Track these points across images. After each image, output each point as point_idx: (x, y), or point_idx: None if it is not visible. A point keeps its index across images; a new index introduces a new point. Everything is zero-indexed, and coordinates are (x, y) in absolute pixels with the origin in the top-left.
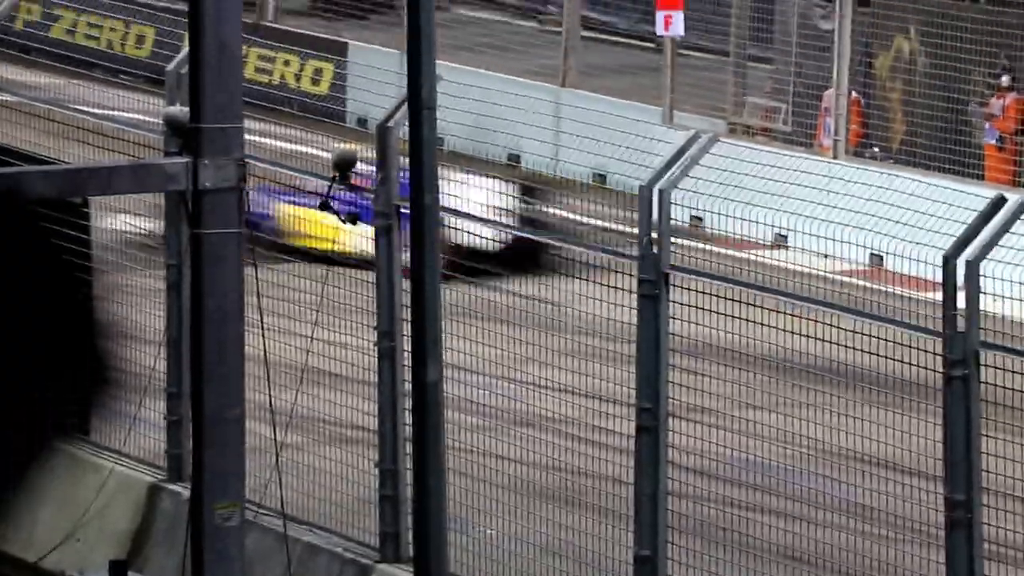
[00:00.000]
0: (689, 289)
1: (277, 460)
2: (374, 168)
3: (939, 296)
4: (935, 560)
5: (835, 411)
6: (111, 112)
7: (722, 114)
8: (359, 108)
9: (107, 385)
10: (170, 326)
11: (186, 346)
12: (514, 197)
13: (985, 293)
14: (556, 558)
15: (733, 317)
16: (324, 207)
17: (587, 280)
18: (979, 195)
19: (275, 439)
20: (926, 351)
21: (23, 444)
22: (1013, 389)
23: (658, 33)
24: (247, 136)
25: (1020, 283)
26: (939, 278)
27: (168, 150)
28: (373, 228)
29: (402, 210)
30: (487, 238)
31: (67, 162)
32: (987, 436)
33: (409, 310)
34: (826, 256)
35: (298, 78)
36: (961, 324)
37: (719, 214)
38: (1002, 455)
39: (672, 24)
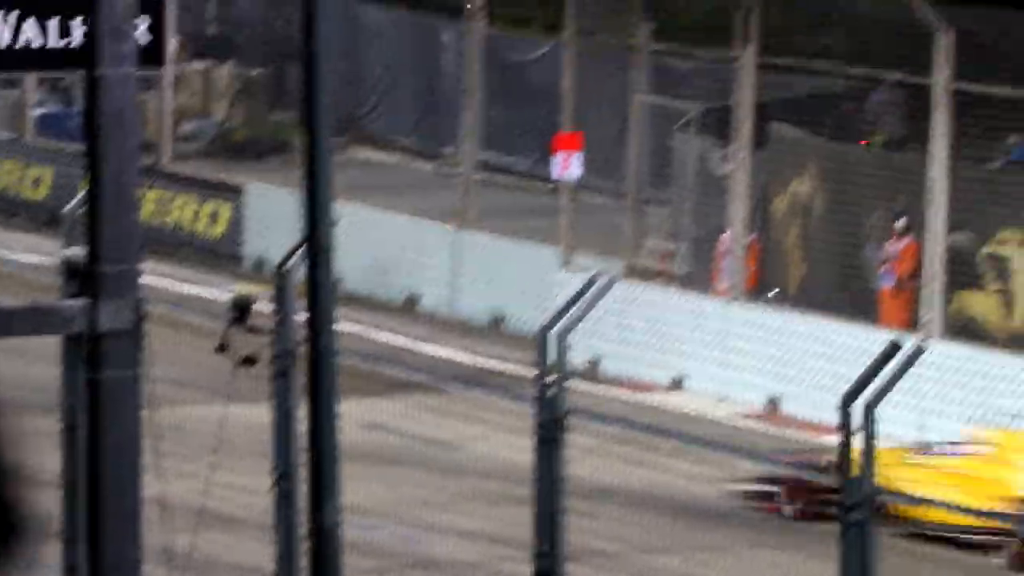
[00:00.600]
0: (587, 432)
1: None
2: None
3: (835, 439)
4: None
5: (736, 554)
6: (7, 254)
7: (620, 256)
8: (256, 249)
9: (16, 533)
10: (66, 469)
11: (83, 489)
12: None
13: (881, 437)
14: None
15: (631, 461)
16: (221, 349)
17: (484, 422)
18: (875, 339)
19: None
20: (825, 493)
21: None
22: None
23: (554, 176)
24: (145, 278)
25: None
26: (835, 421)
27: (66, 292)
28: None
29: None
30: None
31: None
32: None
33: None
34: (723, 399)
35: (195, 220)
36: (859, 468)
37: (617, 357)
38: None
39: (570, 167)
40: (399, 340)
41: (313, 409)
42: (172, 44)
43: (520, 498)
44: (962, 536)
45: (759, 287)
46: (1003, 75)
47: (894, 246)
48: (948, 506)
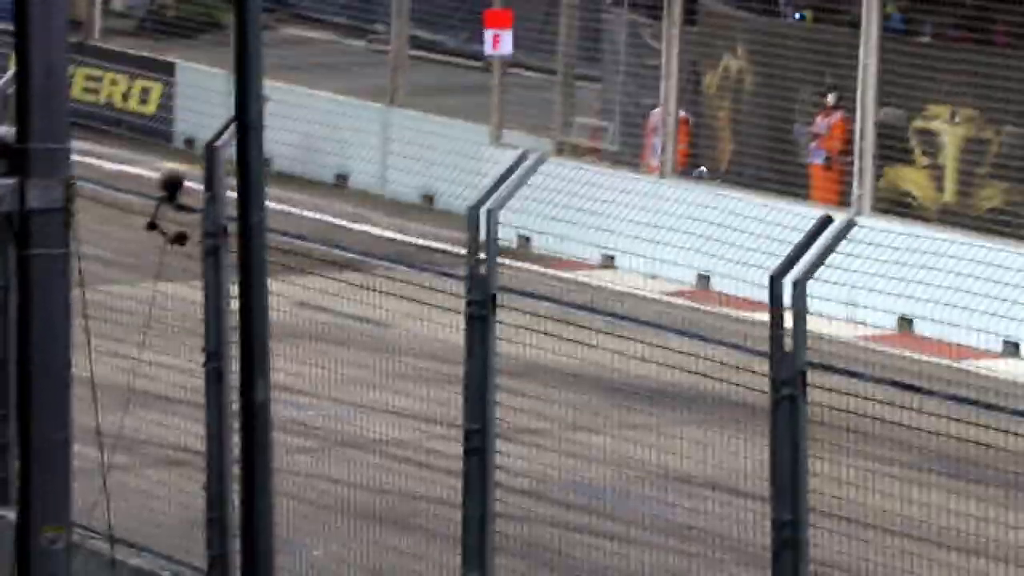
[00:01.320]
0: (517, 310)
1: (104, 483)
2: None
3: (766, 316)
4: None
5: (664, 433)
6: None
7: (550, 134)
8: (187, 128)
9: None
10: None
11: (13, 368)
12: None
13: (811, 313)
14: None
15: (561, 339)
16: (151, 227)
17: (415, 301)
18: (806, 215)
19: (103, 461)
20: (753, 372)
21: None
22: (840, 409)
23: (486, 52)
24: (74, 156)
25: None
26: (766, 298)
27: None
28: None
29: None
30: None
31: None
32: (815, 457)
33: (237, 331)
34: (653, 277)
35: (126, 98)
36: (788, 344)
37: (547, 235)
38: (830, 475)
39: (500, 43)
40: (329, 219)
41: (244, 287)
42: None
43: (451, 376)
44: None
45: (689, 165)
46: None
47: (824, 122)
48: (887, 382)
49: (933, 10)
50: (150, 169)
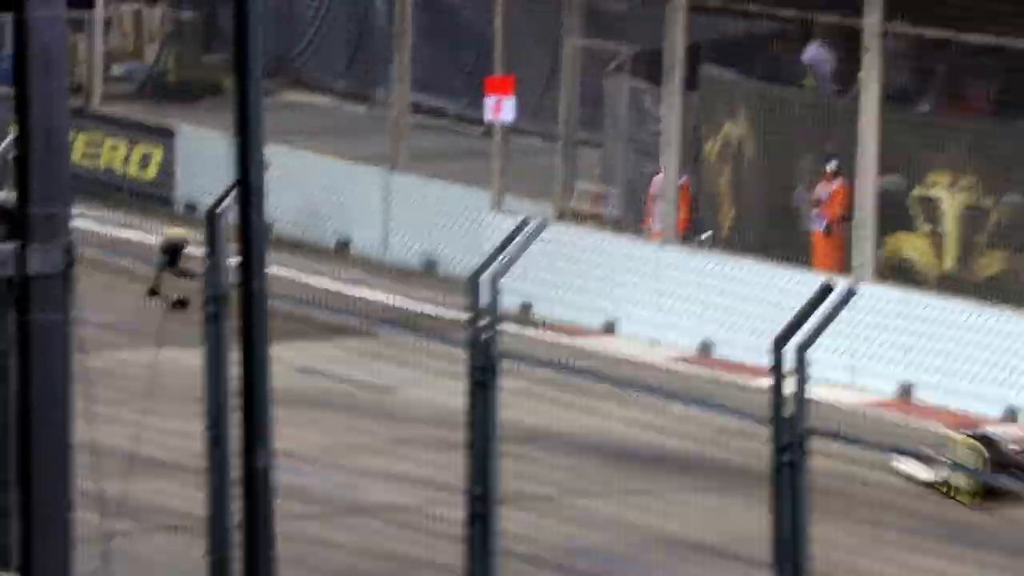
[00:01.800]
0: (519, 376)
1: (105, 549)
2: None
3: (767, 382)
4: None
5: (666, 498)
6: None
7: (552, 199)
8: (188, 193)
9: None
10: None
11: (13, 434)
12: None
13: (812, 379)
14: None
15: (563, 405)
16: (152, 293)
17: (417, 367)
18: (807, 281)
19: (104, 528)
20: (755, 438)
21: None
22: (841, 476)
23: (487, 119)
24: (75, 221)
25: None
26: (768, 364)
27: None
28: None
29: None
30: None
31: None
32: (817, 522)
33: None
34: (655, 343)
35: (126, 163)
36: (789, 410)
37: (549, 301)
38: (831, 541)
39: (502, 109)
40: (331, 284)
41: (245, 353)
42: None
43: (453, 442)
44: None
45: (691, 230)
46: (932, 18)
47: (825, 189)
48: (883, 448)
49: (931, 80)
50: (151, 235)
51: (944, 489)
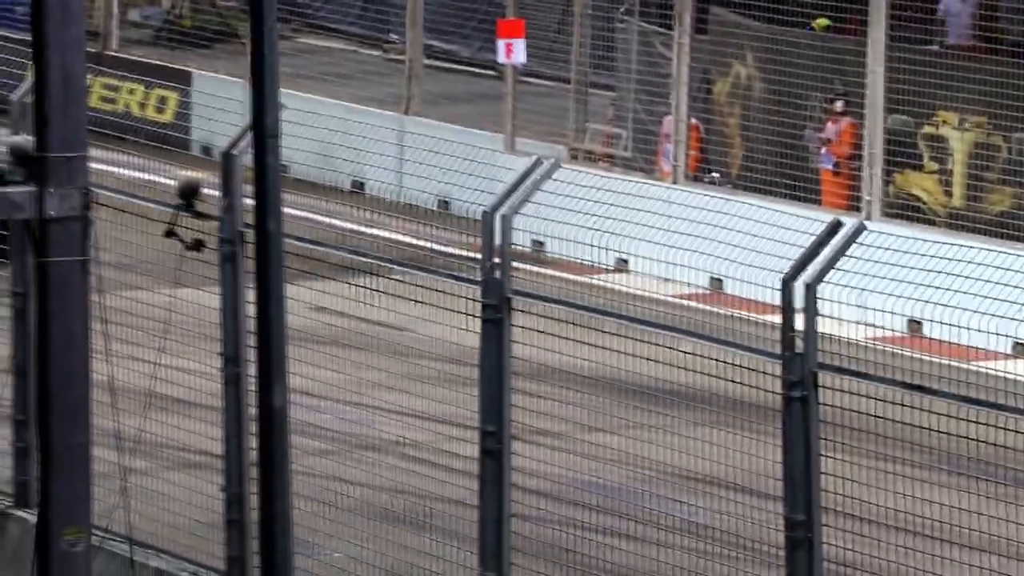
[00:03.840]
0: (531, 313)
1: (123, 486)
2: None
3: (777, 319)
4: None
5: (677, 433)
6: None
7: (564, 140)
8: (204, 136)
9: None
10: (16, 354)
11: (33, 374)
12: None
13: (822, 315)
14: None
15: (575, 341)
16: (169, 234)
17: (430, 304)
18: (816, 219)
19: (122, 465)
20: (766, 373)
21: None
22: (851, 410)
23: (499, 61)
24: (92, 165)
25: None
26: (778, 301)
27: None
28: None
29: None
30: None
31: None
32: (826, 456)
33: (254, 335)
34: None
35: (143, 107)
36: (799, 346)
37: (561, 239)
38: (841, 475)
39: (513, 52)
40: (345, 224)
41: (261, 292)
42: None
43: (467, 379)
44: None
45: (701, 171)
46: None
47: (833, 127)
48: (898, 384)
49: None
50: (167, 177)
51: None
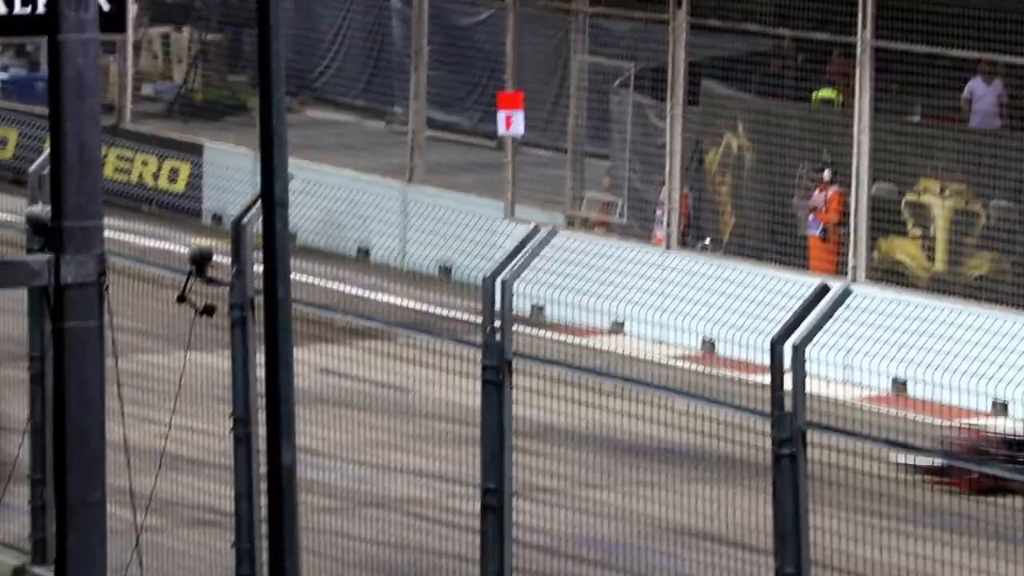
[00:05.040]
0: (531, 375)
1: (137, 542)
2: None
3: (767, 379)
4: None
5: (672, 489)
6: None
7: (561, 208)
8: (215, 205)
9: None
10: (33, 415)
11: (49, 434)
12: None
13: (810, 376)
14: None
15: (573, 401)
16: (181, 300)
17: (433, 367)
18: (804, 283)
19: (136, 522)
20: (756, 431)
21: None
22: (838, 467)
23: (499, 133)
24: (107, 233)
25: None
26: (767, 362)
27: (31, 247)
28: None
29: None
30: None
31: None
32: (815, 511)
33: (264, 397)
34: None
35: (156, 177)
36: (788, 405)
37: (559, 303)
38: (829, 529)
39: (512, 124)
40: (351, 290)
41: (270, 355)
42: (133, 10)
43: (469, 438)
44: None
45: (693, 236)
46: (920, 34)
47: (821, 195)
48: (883, 441)
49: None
50: (180, 245)
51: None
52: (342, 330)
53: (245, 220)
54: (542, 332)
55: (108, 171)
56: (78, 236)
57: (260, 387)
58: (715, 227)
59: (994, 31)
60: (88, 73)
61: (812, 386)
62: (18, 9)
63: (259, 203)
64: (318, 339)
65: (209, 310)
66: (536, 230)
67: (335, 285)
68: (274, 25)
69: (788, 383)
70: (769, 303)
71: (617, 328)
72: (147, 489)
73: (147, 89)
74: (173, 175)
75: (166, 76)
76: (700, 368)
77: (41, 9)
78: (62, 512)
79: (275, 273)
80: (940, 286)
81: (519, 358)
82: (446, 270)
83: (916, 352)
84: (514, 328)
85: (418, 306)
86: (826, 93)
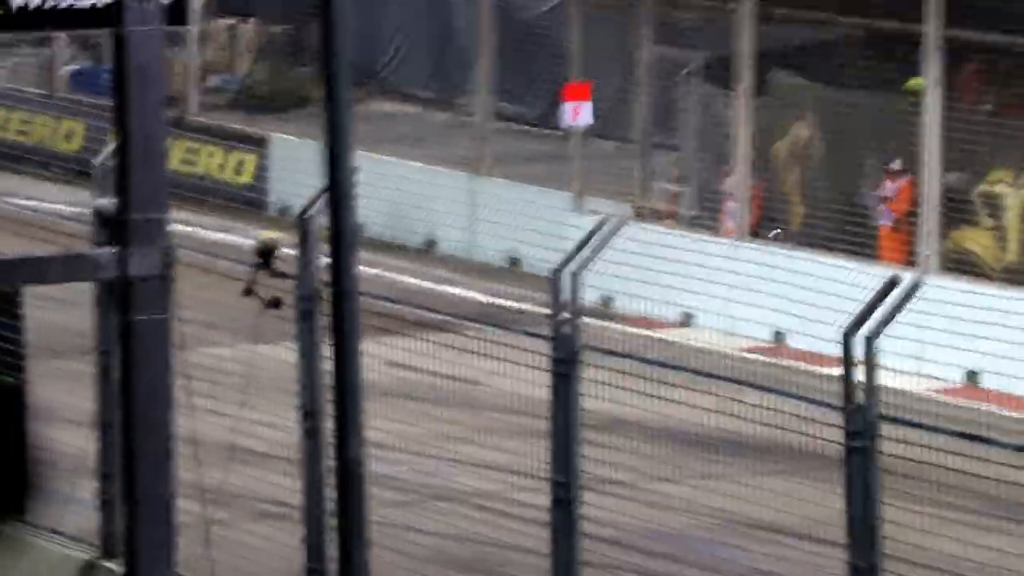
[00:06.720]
0: (600, 367)
1: (207, 536)
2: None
3: (838, 371)
4: None
5: (742, 482)
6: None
7: (629, 199)
8: (281, 197)
9: (41, 467)
10: (102, 409)
11: (117, 428)
12: None
13: (881, 367)
14: None
15: (642, 394)
16: (248, 293)
17: (502, 359)
18: (874, 274)
19: (205, 515)
20: (827, 424)
21: None
22: (910, 460)
23: (566, 124)
24: (173, 225)
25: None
26: (838, 353)
27: (97, 241)
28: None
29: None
30: None
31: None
32: (887, 504)
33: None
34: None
35: (222, 169)
36: (860, 397)
37: (628, 295)
38: (902, 522)
39: (580, 114)
40: (418, 282)
41: (337, 348)
42: (198, 2)
43: (537, 431)
44: None
45: (762, 227)
46: (991, 23)
47: (892, 186)
48: (956, 434)
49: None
50: (246, 237)
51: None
52: (410, 323)
53: (311, 213)
54: (611, 324)
55: (174, 163)
56: (144, 229)
57: (328, 380)
58: (785, 218)
59: None
60: (152, 66)
61: (884, 378)
62: (82, 2)
63: (325, 196)
64: (385, 332)
65: (276, 303)
66: (604, 221)
67: (402, 278)
68: (338, 16)
69: (860, 375)
70: (840, 294)
71: (686, 320)
72: (216, 483)
73: (213, 80)
74: (239, 167)
75: (230, 68)
76: (770, 360)
77: (105, 1)
78: (131, 507)
79: (341, 266)
80: (1013, 277)
81: (588, 350)
82: (514, 262)
83: (988, 344)
84: (583, 320)
85: (486, 298)
86: (916, 83)
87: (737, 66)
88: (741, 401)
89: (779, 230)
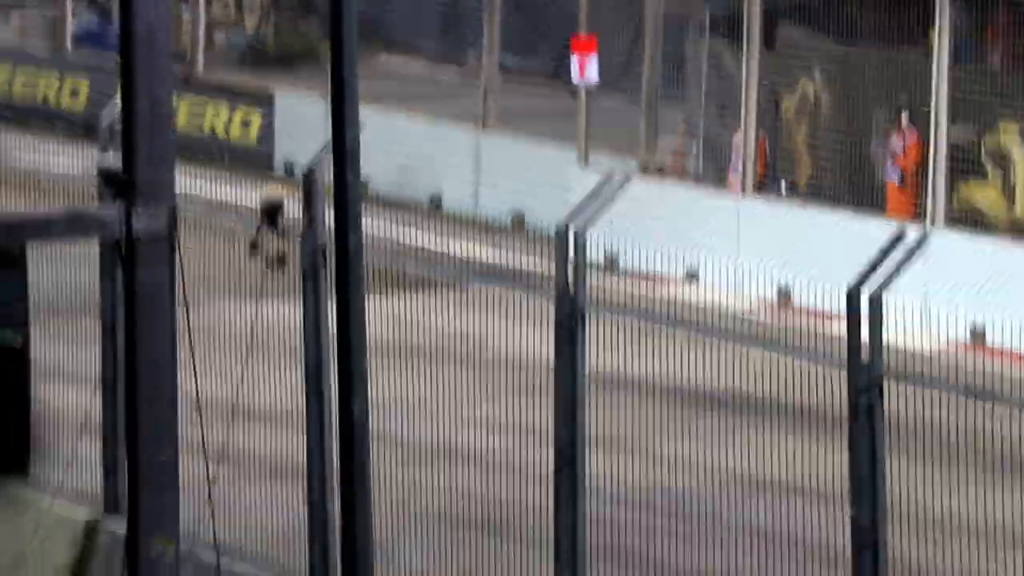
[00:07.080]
0: (605, 324)
1: (210, 495)
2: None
3: (844, 327)
4: None
5: (746, 439)
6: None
7: (635, 154)
8: (286, 153)
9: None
10: (105, 369)
11: (121, 389)
12: None
13: (887, 324)
14: None
15: (647, 351)
16: (253, 250)
17: (506, 317)
18: (881, 228)
19: (207, 474)
20: (832, 380)
21: None
22: (915, 416)
23: (573, 81)
24: (179, 184)
25: (921, 314)
26: (844, 310)
27: (103, 199)
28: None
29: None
30: None
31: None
32: (891, 460)
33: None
34: (736, 290)
35: (228, 126)
36: (865, 354)
37: (633, 252)
38: (904, 478)
39: (586, 69)
40: (423, 239)
41: (341, 306)
42: None
43: (542, 388)
44: None
45: (769, 183)
46: None
47: (899, 141)
48: (961, 390)
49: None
50: (251, 196)
51: None
52: (414, 280)
53: (316, 169)
54: (616, 281)
55: (180, 121)
56: (149, 187)
57: (332, 338)
58: (791, 173)
59: None
60: (159, 26)
61: (889, 335)
62: None
63: (330, 151)
64: (390, 289)
65: (281, 260)
66: (609, 178)
67: (407, 234)
68: None
69: (865, 331)
70: (846, 249)
71: (692, 276)
72: (219, 442)
73: (219, 38)
74: (245, 124)
75: (238, 24)
76: (775, 317)
77: None
78: (134, 466)
79: (347, 223)
80: (1020, 231)
81: (593, 308)
82: (519, 218)
83: (995, 299)
84: (588, 278)
85: (491, 255)
86: None
87: (746, 21)
88: (747, 358)
89: (785, 184)
